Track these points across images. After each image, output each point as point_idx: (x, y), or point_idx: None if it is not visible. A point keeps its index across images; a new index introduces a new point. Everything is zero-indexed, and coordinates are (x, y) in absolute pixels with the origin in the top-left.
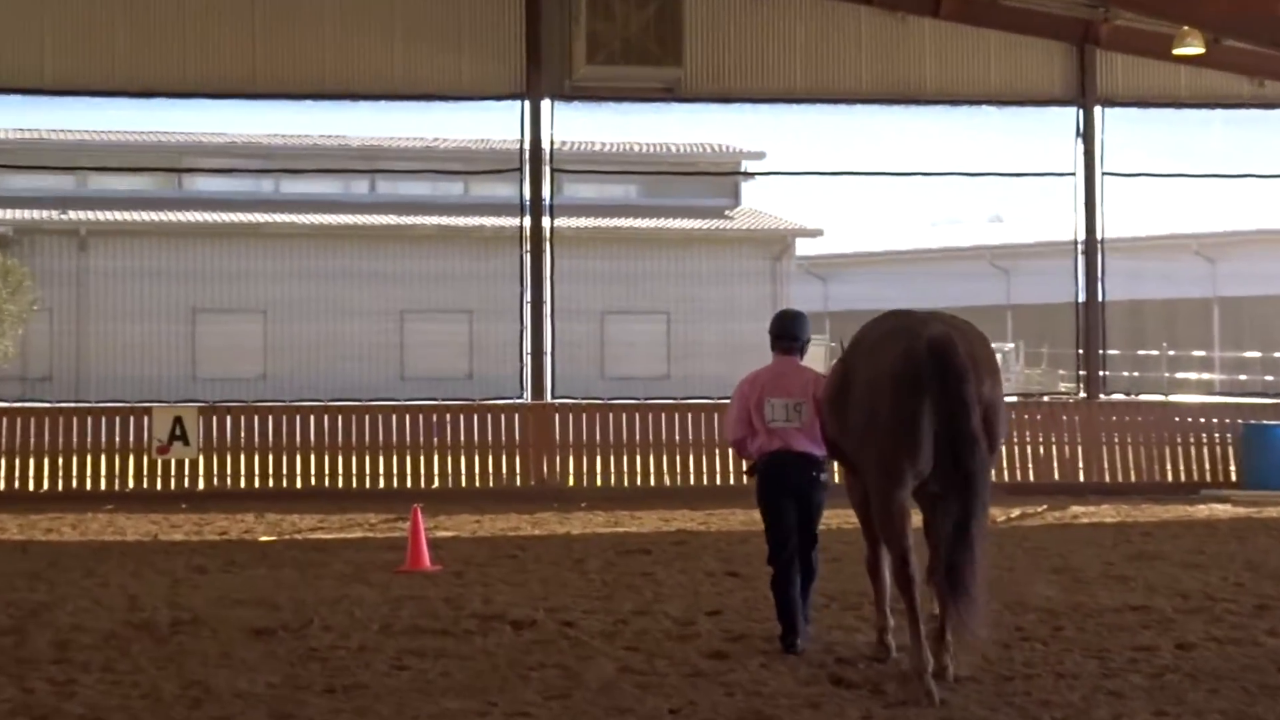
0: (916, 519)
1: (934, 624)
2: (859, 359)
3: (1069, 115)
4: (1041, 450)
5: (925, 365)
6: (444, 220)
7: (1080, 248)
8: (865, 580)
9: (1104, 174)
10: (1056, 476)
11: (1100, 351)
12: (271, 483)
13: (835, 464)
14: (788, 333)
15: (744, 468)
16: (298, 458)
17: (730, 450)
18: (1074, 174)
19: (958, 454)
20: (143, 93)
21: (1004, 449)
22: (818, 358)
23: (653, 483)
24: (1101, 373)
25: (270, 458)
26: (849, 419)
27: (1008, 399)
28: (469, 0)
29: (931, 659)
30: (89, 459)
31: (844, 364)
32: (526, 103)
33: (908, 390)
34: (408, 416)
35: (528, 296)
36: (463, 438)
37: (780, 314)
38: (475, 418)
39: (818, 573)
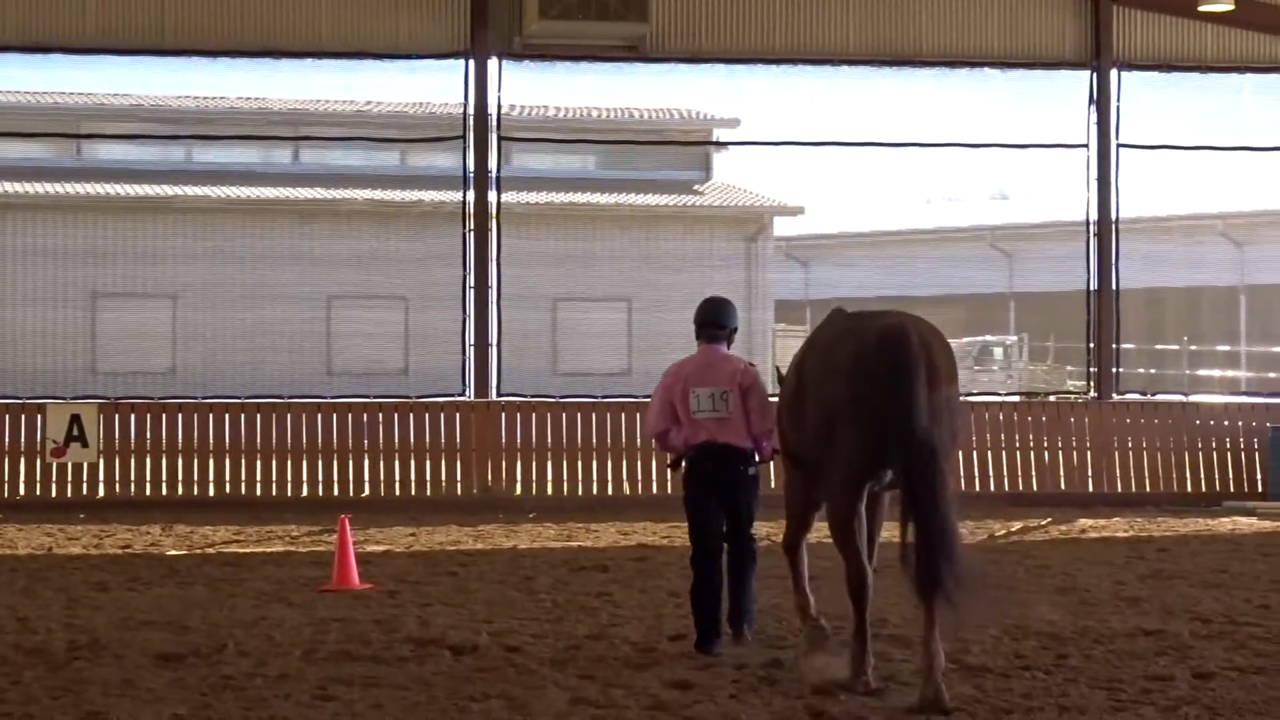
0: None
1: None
2: (814, 358)
3: (1081, 79)
4: (1046, 456)
5: (877, 361)
6: (377, 194)
7: (1092, 229)
8: (847, 603)
9: (1120, 146)
10: (1063, 486)
11: (1113, 345)
12: (181, 490)
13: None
14: (713, 320)
15: (668, 462)
16: (210, 462)
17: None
18: (1086, 146)
19: (914, 447)
20: (35, 47)
21: (1003, 455)
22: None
23: (610, 491)
24: (1114, 369)
25: (179, 462)
26: (806, 425)
27: (1010, 397)
28: None
29: (871, 664)
30: None
31: (798, 369)
32: (471, 62)
33: (865, 386)
34: (335, 416)
35: (471, 281)
36: (397, 440)
37: (705, 301)
38: (411, 417)
39: (756, 559)
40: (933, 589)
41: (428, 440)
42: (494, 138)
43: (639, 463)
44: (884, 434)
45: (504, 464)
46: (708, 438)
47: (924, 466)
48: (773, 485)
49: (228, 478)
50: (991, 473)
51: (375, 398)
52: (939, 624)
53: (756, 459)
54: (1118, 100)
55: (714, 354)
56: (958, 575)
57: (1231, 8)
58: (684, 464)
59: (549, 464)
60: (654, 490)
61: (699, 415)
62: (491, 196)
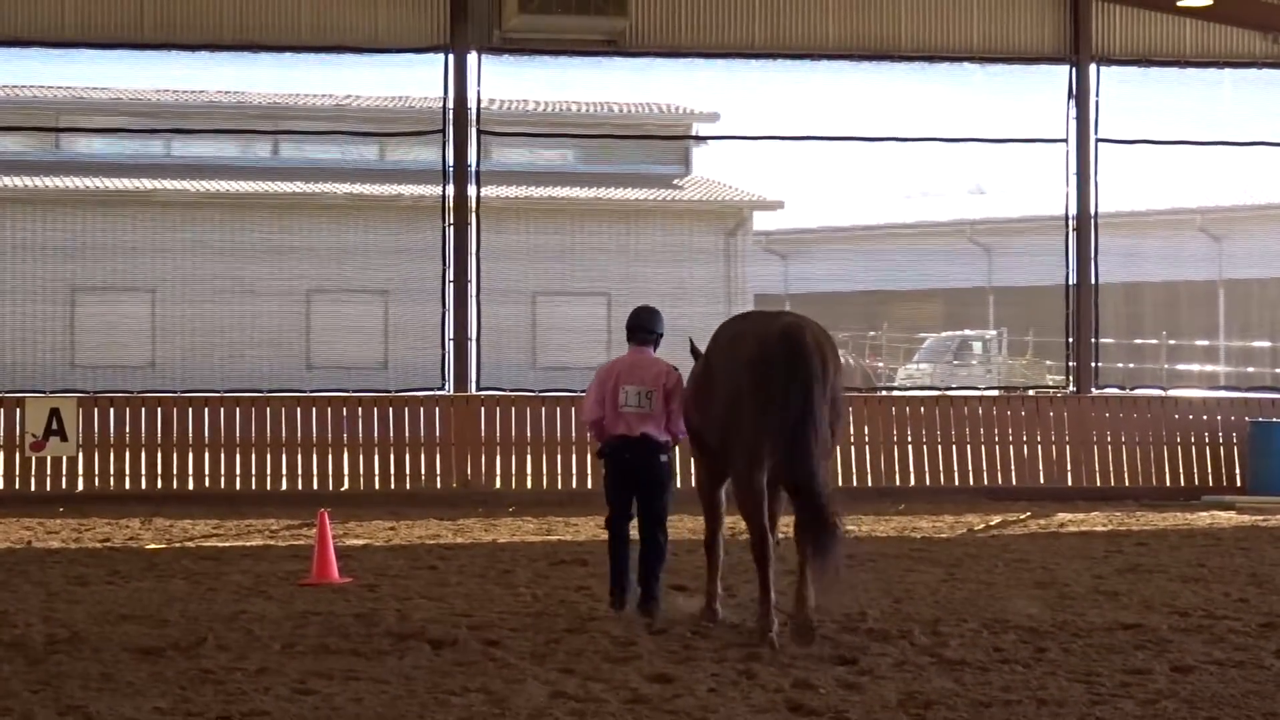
0: None
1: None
2: (720, 350)
3: (1060, 74)
4: (1025, 450)
5: (777, 353)
6: (356, 188)
7: (1071, 223)
8: (826, 597)
9: (1099, 140)
10: (1042, 480)
11: (1092, 340)
12: (160, 484)
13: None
14: (643, 326)
15: (595, 449)
16: (190, 455)
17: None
18: (1065, 140)
19: (802, 425)
20: (13, 41)
21: (982, 449)
22: None
23: (590, 485)
24: (1093, 364)
25: (159, 455)
26: (711, 410)
27: (989, 392)
28: None
29: (775, 621)
30: None
31: (706, 361)
32: (450, 56)
33: (764, 375)
34: (314, 409)
35: (450, 275)
36: (376, 434)
37: (637, 309)
38: (390, 411)
39: (665, 555)
40: (818, 547)
41: (407, 434)
42: (473, 132)
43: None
44: (778, 412)
45: (483, 458)
46: (627, 430)
47: (807, 435)
48: (691, 484)
49: (207, 471)
50: (971, 467)
51: (354, 392)
52: (811, 568)
53: (668, 448)
54: (1097, 95)
55: (643, 356)
56: (827, 525)
57: (1210, 3)
58: (609, 449)
59: (528, 458)
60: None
61: (625, 409)
62: (471, 190)
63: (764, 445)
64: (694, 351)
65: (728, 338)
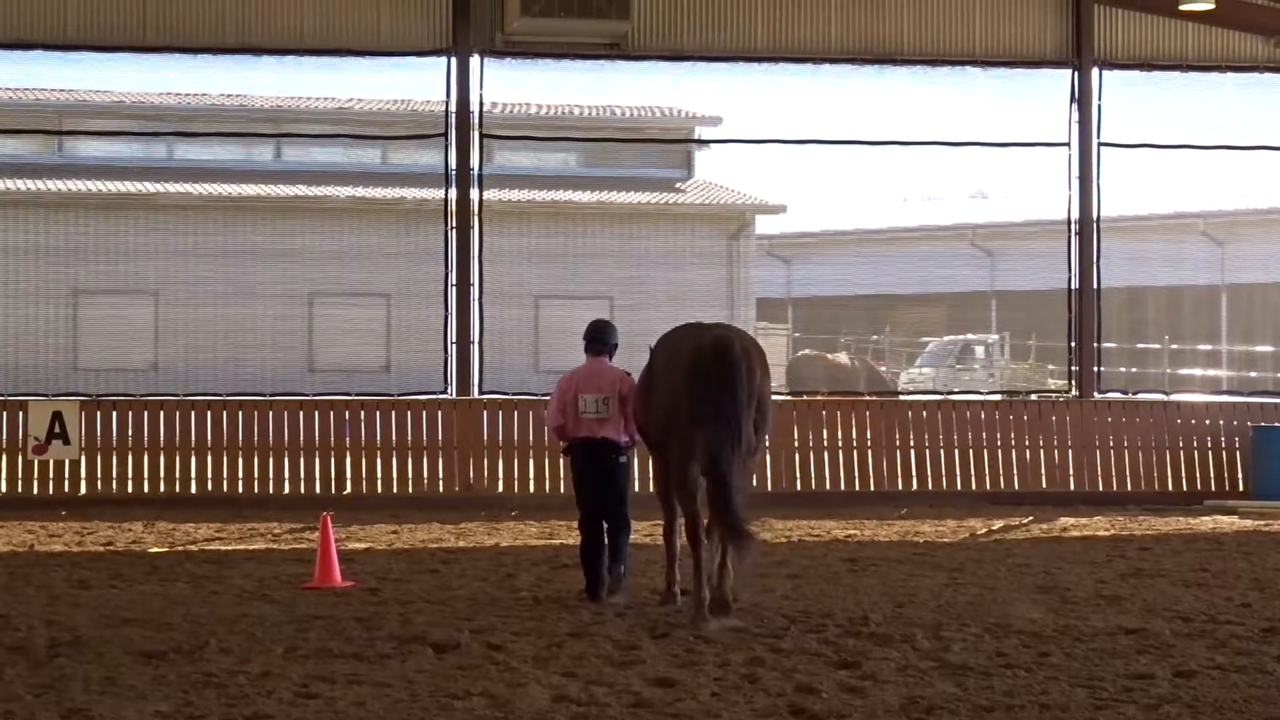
0: None
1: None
2: (661, 357)
3: (1063, 78)
4: (1028, 455)
5: (709, 360)
6: (359, 191)
7: (1074, 228)
8: (828, 600)
9: (1101, 144)
10: (1044, 484)
11: (1095, 344)
12: (163, 487)
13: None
14: (599, 338)
15: (561, 449)
16: (192, 459)
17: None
18: (1068, 144)
19: (726, 422)
20: (16, 44)
21: (984, 454)
22: (779, 347)
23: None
24: (1096, 368)
25: (161, 459)
26: (654, 408)
27: (992, 396)
28: None
29: (709, 595)
30: None
31: (650, 366)
32: (453, 59)
33: (697, 379)
34: (317, 413)
35: (453, 278)
36: (379, 437)
37: (593, 322)
38: (393, 415)
39: (629, 527)
40: (737, 532)
41: (409, 438)
42: (476, 135)
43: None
44: (710, 411)
45: (486, 461)
46: (588, 434)
47: (729, 431)
48: (650, 489)
49: (210, 475)
50: (973, 471)
51: (357, 395)
52: (730, 546)
53: (626, 449)
54: (1099, 99)
55: (600, 365)
56: (740, 513)
57: (1212, 6)
58: (572, 451)
59: (531, 461)
60: (636, 489)
61: (584, 415)
62: (473, 194)
63: (696, 442)
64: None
65: (668, 346)
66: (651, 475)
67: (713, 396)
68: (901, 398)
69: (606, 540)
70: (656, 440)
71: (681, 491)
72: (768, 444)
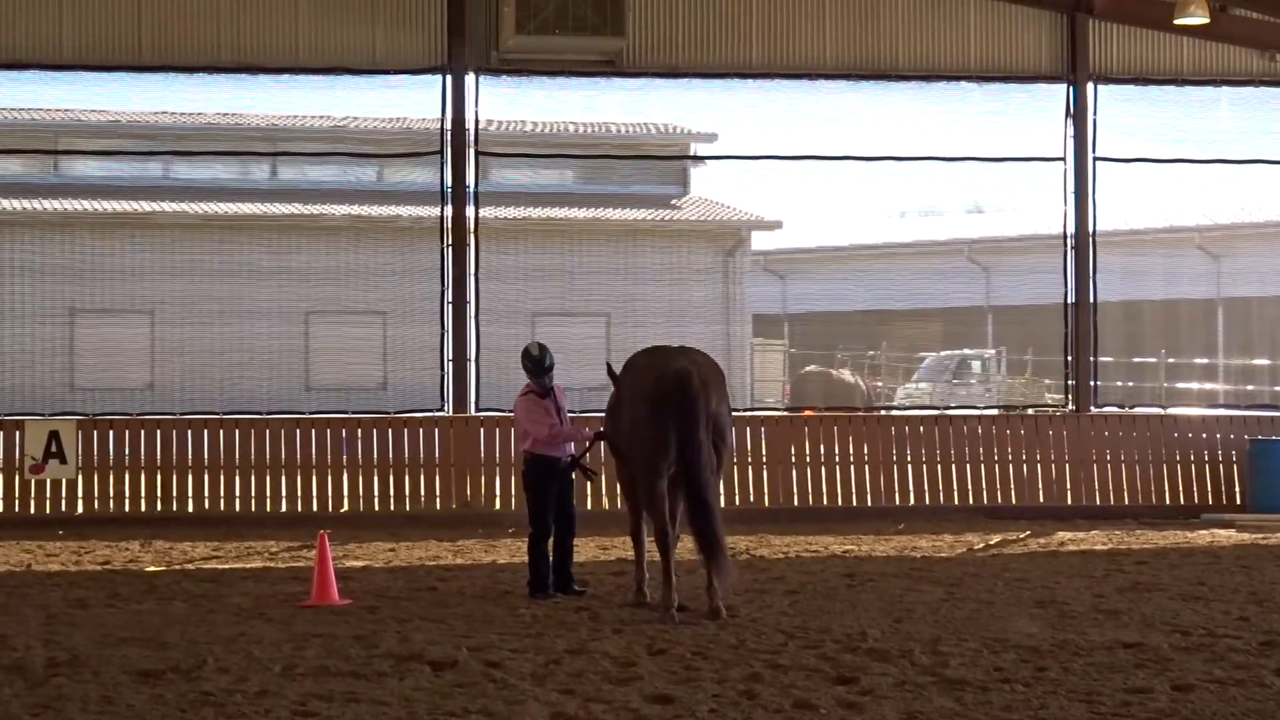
0: None
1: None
2: (628, 381)
3: (1058, 93)
4: (1025, 469)
5: (671, 390)
6: (355, 209)
7: (1070, 242)
8: (826, 616)
9: (1096, 159)
10: (1041, 499)
11: (1091, 359)
12: (160, 506)
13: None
14: (548, 364)
15: (586, 438)
16: (189, 477)
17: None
18: (1063, 159)
19: (688, 449)
20: (13, 64)
21: (981, 468)
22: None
23: (589, 506)
24: (1092, 382)
25: (158, 478)
26: (621, 425)
27: (988, 410)
28: None
29: (677, 598)
30: None
31: (618, 384)
32: (448, 77)
33: (659, 408)
34: (314, 431)
35: (449, 296)
36: (375, 455)
37: (540, 350)
38: (390, 432)
39: (574, 523)
40: (711, 545)
41: (406, 456)
42: (471, 153)
43: (616, 479)
44: (671, 438)
45: (483, 479)
46: (560, 453)
47: (696, 457)
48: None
49: (206, 493)
50: (970, 486)
51: (354, 413)
52: (714, 562)
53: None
54: (1094, 114)
55: (555, 386)
56: (717, 532)
57: (1207, 21)
58: (530, 462)
59: None
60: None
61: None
62: (469, 211)
63: (662, 460)
64: (610, 374)
65: (635, 371)
66: (617, 481)
67: (674, 422)
68: (897, 413)
69: (557, 542)
70: (624, 451)
71: (651, 505)
72: (734, 460)
